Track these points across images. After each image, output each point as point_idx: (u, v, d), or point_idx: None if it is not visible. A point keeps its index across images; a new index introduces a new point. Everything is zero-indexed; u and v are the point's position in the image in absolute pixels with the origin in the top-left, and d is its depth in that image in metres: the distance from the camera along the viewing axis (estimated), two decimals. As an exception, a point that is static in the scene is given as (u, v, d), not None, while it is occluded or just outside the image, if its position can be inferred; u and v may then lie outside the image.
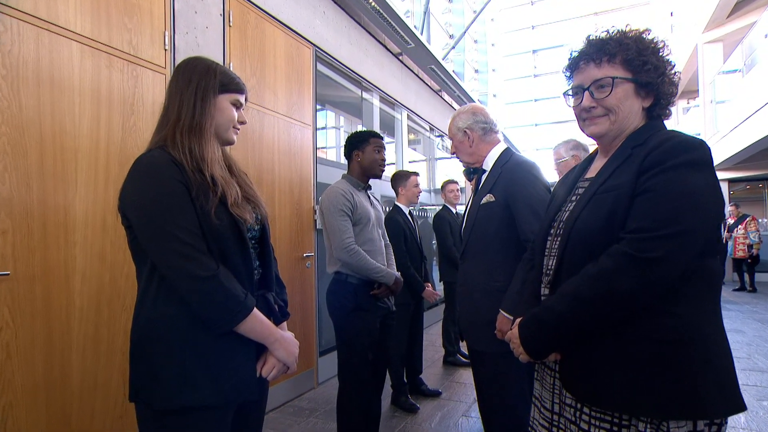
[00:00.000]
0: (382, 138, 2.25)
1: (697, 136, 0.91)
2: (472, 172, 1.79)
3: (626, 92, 0.98)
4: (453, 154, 1.79)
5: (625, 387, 0.86)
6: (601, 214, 0.91)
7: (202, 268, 0.96)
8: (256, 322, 1.04)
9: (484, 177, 1.69)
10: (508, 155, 1.65)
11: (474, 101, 6.64)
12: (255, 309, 1.04)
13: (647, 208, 0.85)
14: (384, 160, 2.21)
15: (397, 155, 5.23)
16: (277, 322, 1.16)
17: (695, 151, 0.87)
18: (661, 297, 0.85)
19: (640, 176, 0.88)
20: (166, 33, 2.19)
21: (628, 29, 0.99)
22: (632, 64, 0.96)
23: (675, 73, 1.01)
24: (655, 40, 1.00)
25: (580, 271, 0.91)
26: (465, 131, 1.71)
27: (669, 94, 0.99)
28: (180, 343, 0.99)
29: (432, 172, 6.42)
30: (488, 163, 1.68)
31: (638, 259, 0.83)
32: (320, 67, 3.49)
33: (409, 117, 5.37)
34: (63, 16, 1.78)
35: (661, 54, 0.99)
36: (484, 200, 1.59)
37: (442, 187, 4.08)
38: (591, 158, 1.14)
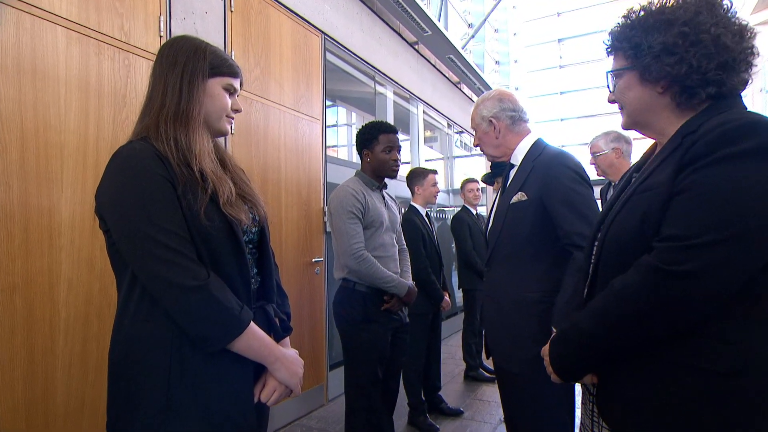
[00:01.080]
0: (395, 132, 2.17)
1: None
2: (496, 174, 1.69)
3: (628, 82, 0.94)
4: (476, 146, 1.71)
5: (662, 421, 0.80)
6: (635, 217, 0.85)
7: (189, 277, 0.90)
8: (254, 339, 0.98)
9: (512, 172, 1.61)
10: (540, 147, 1.56)
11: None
12: (252, 324, 0.98)
13: (681, 212, 0.78)
14: (397, 160, 2.15)
15: (412, 153, 5.16)
16: (278, 338, 1.11)
17: (751, 138, 0.75)
18: (705, 318, 0.77)
19: (680, 172, 0.80)
20: (162, 18, 2.14)
21: (641, 6, 0.94)
22: (635, 49, 0.92)
23: (711, 40, 0.86)
24: (668, 15, 0.88)
25: (608, 285, 0.86)
26: (490, 120, 1.62)
27: (695, 70, 0.85)
28: (164, 364, 0.93)
29: (450, 172, 6.33)
30: (517, 157, 1.59)
31: (666, 273, 0.76)
32: (330, 58, 3.44)
33: (425, 112, 5.31)
34: (47, -2, 1.72)
35: (677, 28, 0.87)
36: (514, 199, 1.50)
37: (461, 186, 4.02)
38: (651, 152, 1.05)
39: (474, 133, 1.69)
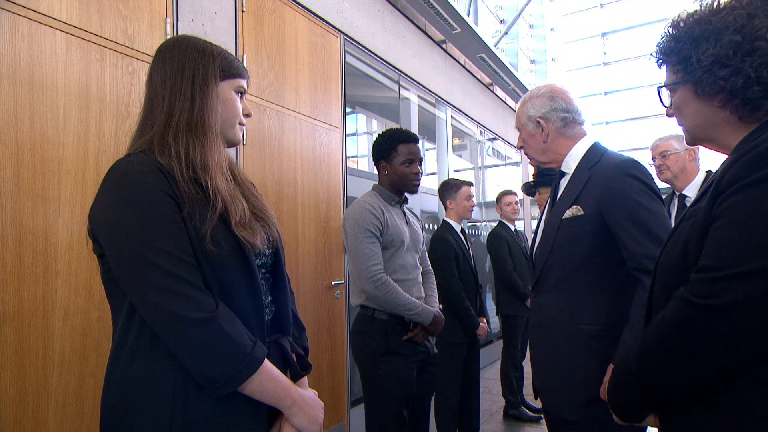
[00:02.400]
0: (415, 141, 2.14)
1: None
2: (539, 183, 1.63)
3: (683, 97, 0.95)
4: (520, 148, 1.66)
5: None
6: (678, 245, 0.88)
7: (194, 308, 0.88)
8: (268, 380, 0.95)
9: (564, 182, 1.54)
10: (597, 153, 1.48)
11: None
12: (266, 361, 0.95)
13: (714, 241, 0.80)
14: (418, 173, 2.12)
15: (439, 163, 5.12)
16: (296, 378, 1.08)
17: None
18: (753, 357, 0.76)
19: (717, 197, 0.81)
20: (168, 20, 2.15)
21: (688, 14, 0.94)
22: (685, 63, 0.92)
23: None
24: (716, 23, 0.86)
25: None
26: (538, 121, 1.56)
27: (754, 82, 0.84)
28: (166, 410, 0.90)
29: (481, 183, 6.26)
30: (569, 164, 1.52)
31: (697, 306, 0.78)
32: (349, 60, 3.45)
33: (453, 117, 5.29)
34: (45, 0, 1.74)
35: (727, 37, 0.85)
36: (567, 214, 1.43)
37: (497, 199, 3.99)
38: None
39: (521, 133, 1.63)
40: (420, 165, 2.14)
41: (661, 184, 2.44)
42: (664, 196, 2.62)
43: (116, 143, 1.92)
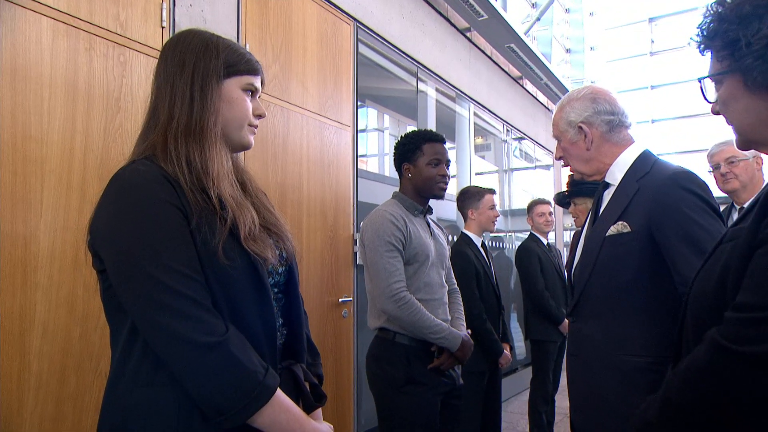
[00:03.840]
0: (442, 140, 2.17)
1: None
2: (574, 193, 1.63)
3: (730, 90, 0.89)
4: (558, 159, 1.66)
5: None
6: (715, 272, 0.84)
7: (203, 331, 0.90)
8: (281, 411, 0.96)
9: (608, 194, 1.54)
10: (647, 161, 1.48)
11: (568, 91, 6.43)
12: (279, 391, 0.97)
13: (758, 271, 0.74)
14: (445, 175, 2.14)
15: (459, 165, 5.13)
16: (309, 410, 1.10)
17: None
18: None
19: (765, 216, 0.77)
20: (164, 5, 2.17)
21: None
22: (732, 47, 0.85)
23: None
24: None
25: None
26: (580, 127, 1.55)
27: None
28: None
29: (507, 188, 6.22)
30: (615, 175, 1.53)
31: (731, 353, 0.72)
32: (363, 50, 3.46)
33: (476, 113, 5.29)
34: (31, -16, 1.76)
35: None
36: (612, 230, 1.44)
37: (528, 208, 3.96)
38: None
39: (559, 142, 1.62)
40: (447, 167, 2.15)
41: (717, 193, 2.42)
42: (722, 208, 2.59)
43: (105, 141, 1.94)
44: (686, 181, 1.37)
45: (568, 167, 1.65)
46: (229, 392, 0.90)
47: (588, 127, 1.54)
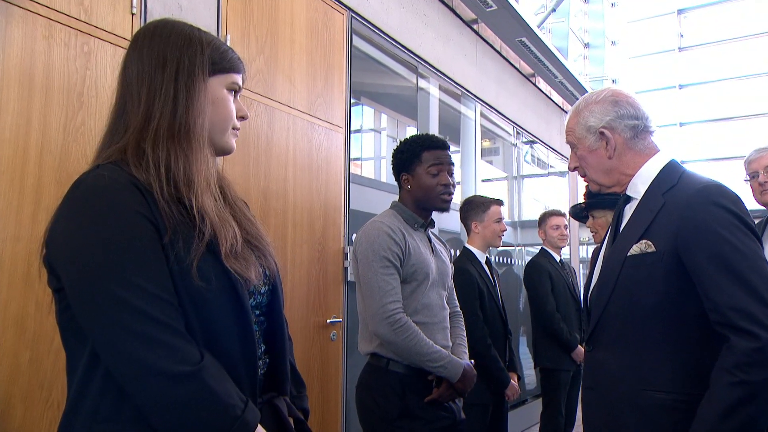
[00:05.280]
0: (443, 147, 2.18)
1: None
2: (593, 205, 1.64)
3: None
4: (573, 170, 1.67)
5: None
6: None
7: (175, 360, 0.90)
8: None
9: (629, 209, 1.55)
10: (675, 173, 1.49)
11: (587, 90, 6.47)
12: (259, 427, 0.97)
13: None
14: (448, 184, 2.15)
15: (464, 171, 5.17)
16: None
17: None
18: None
19: None
20: (135, -11, 2.18)
21: None
22: None
23: None
24: None
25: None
26: (601, 132, 1.55)
27: None
28: None
29: (516, 196, 6.24)
30: (638, 187, 1.54)
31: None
32: (357, 43, 3.47)
33: (483, 114, 5.32)
34: (-17, -36, 1.76)
35: None
36: (633, 250, 1.44)
37: (540, 220, 3.98)
38: None
39: (574, 150, 1.62)
40: (451, 176, 2.15)
41: (753, 205, 2.41)
42: (757, 221, 2.58)
43: (64, 140, 1.92)
44: (718, 195, 1.37)
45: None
46: (203, 429, 0.91)
47: (611, 133, 1.54)
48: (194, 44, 1.07)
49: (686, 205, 1.39)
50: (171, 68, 1.04)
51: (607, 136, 1.54)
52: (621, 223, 1.56)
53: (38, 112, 1.86)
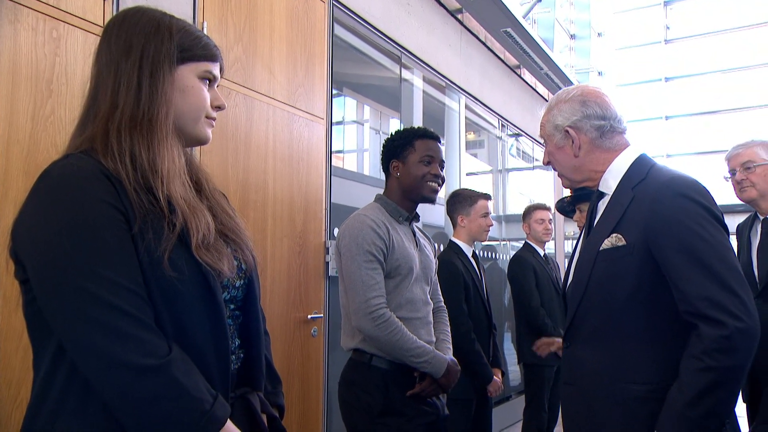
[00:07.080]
0: (437, 139, 2.22)
1: None
2: (580, 198, 1.68)
3: None
4: (546, 164, 1.73)
5: None
6: None
7: (142, 353, 0.90)
8: None
9: (602, 204, 1.60)
10: (644, 168, 1.54)
11: (572, 82, 6.51)
12: (229, 423, 0.98)
13: None
14: (438, 175, 2.18)
15: (448, 164, 5.10)
16: None
17: None
18: None
19: None
20: (107, -27, 2.15)
21: None
22: None
23: None
24: None
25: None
26: (567, 131, 1.60)
27: None
28: None
29: (501, 190, 6.29)
30: (609, 182, 1.59)
31: None
32: (339, 32, 3.48)
33: (468, 106, 5.36)
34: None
35: None
36: (605, 244, 1.49)
37: (524, 213, 4.01)
38: None
39: (546, 145, 1.68)
40: (441, 169, 2.18)
41: (736, 200, 2.44)
42: (743, 219, 2.60)
43: (33, 129, 1.90)
44: (685, 187, 1.42)
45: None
46: (170, 424, 0.91)
47: (576, 132, 1.59)
48: (162, 30, 1.07)
49: (654, 198, 1.43)
50: (135, 55, 1.05)
51: (572, 135, 1.59)
52: (595, 218, 1.60)
53: (4, 100, 1.83)
